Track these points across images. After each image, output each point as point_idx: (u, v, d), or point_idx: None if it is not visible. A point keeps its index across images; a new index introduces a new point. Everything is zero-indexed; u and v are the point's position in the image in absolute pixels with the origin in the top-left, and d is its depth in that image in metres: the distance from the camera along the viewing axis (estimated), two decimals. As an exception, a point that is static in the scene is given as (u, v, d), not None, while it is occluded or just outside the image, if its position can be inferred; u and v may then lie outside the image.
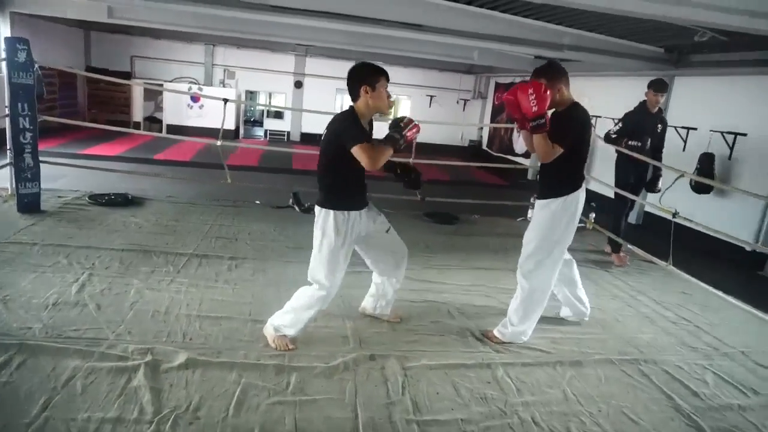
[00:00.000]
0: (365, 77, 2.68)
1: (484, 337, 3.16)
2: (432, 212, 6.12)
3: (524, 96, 2.68)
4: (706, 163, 6.81)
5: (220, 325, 2.97)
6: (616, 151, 5.14)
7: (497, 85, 14.92)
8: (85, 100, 13.43)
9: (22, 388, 2.23)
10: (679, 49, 7.78)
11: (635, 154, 4.88)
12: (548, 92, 2.70)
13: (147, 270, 3.63)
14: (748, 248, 6.32)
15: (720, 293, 4.27)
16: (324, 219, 2.73)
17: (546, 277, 3.03)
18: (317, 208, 2.78)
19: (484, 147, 15.32)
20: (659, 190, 5.08)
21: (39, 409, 2.11)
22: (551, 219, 2.97)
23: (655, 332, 3.52)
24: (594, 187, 6.07)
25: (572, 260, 3.34)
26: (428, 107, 15.55)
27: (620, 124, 5.02)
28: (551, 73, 2.85)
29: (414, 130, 2.72)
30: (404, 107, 16.24)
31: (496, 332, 3.14)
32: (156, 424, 2.11)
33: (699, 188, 6.42)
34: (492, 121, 14.98)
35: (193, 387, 2.38)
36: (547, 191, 3.02)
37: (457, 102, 15.83)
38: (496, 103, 14.97)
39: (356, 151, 2.58)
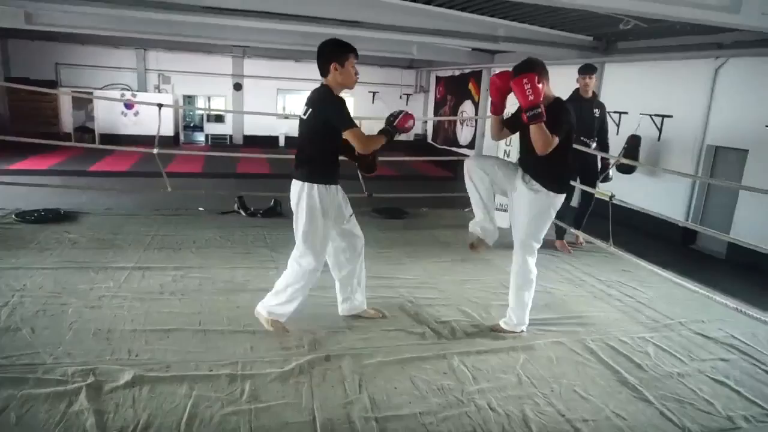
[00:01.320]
0: (334, 54, 2.78)
1: (492, 331, 3.19)
2: (380, 208, 6.12)
3: (519, 86, 2.70)
4: (632, 144, 7.16)
5: (168, 338, 2.86)
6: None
7: (438, 79, 15.13)
8: (7, 112, 12.65)
9: (-51, 424, 2.06)
10: (606, 37, 8.12)
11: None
12: (541, 84, 2.73)
13: (85, 287, 3.45)
14: (680, 224, 6.68)
15: (657, 269, 4.49)
16: (309, 193, 2.79)
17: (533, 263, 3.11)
18: (298, 184, 2.83)
19: (429, 140, 15.51)
20: (610, 179, 5.16)
21: (-30, 446, 1.96)
22: (547, 209, 3.01)
23: (601, 310, 3.66)
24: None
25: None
26: (371, 103, 15.59)
27: None
28: (537, 68, 2.82)
29: (405, 118, 2.86)
30: (348, 104, 16.20)
31: (501, 323, 3.20)
32: (102, 448, 2.00)
33: (623, 169, 6.71)
34: (435, 113, 15.18)
35: (141, 405, 2.27)
36: (547, 181, 2.97)
37: (400, 97, 15.95)
38: (438, 96, 15.18)
39: (349, 135, 2.73)
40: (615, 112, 8.02)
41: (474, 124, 12.76)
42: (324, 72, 2.82)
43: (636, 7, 4.69)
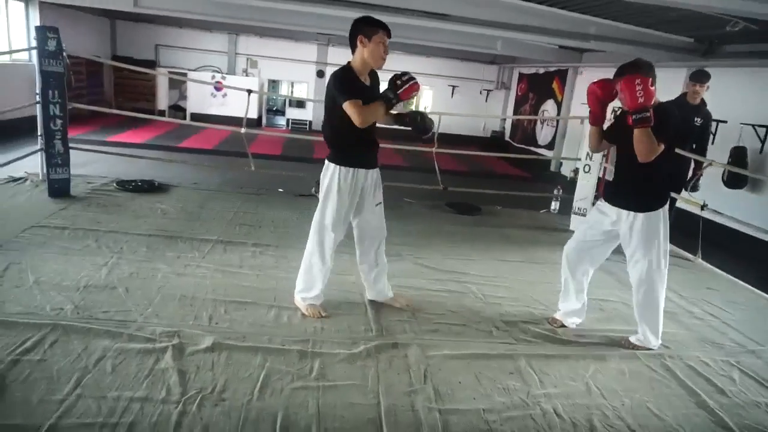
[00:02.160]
0: (362, 28, 2.73)
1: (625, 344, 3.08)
2: (454, 202, 6.10)
3: (630, 87, 2.56)
4: (738, 156, 6.63)
5: (245, 310, 3.02)
6: None
7: (520, 76, 14.75)
8: (112, 88, 13.66)
9: (54, 366, 2.29)
10: (709, 39, 7.58)
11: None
12: (654, 87, 2.58)
13: (173, 255, 3.70)
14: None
15: (748, 287, 4.19)
16: (329, 174, 2.84)
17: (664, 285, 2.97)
18: (326, 162, 2.88)
19: (507, 138, 15.18)
20: (697, 189, 4.91)
21: (71, 387, 2.17)
22: (663, 228, 2.85)
23: (681, 327, 3.47)
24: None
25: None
26: (450, 97, 15.45)
27: None
28: (649, 69, 2.67)
29: (411, 88, 2.74)
30: (426, 97, 16.15)
31: (633, 339, 3.09)
32: (183, 404, 2.15)
33: (732, 182, 6.24)
34: (515, 111, 14.83)
35: (219, 370, 2.42)
36: (651, 200, 2.83)
37: (480, 92, 15.69)
38: (519, 93, 14.81)
39: (346, 107, 2.64)
40: (713, 120, 7.49)
41: (555, 124, 12.36)
42: (353, 47, 2.76)
43: (749, 8, 4.35)
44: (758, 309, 3.95)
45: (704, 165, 4.75)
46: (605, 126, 3.02)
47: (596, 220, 3.04)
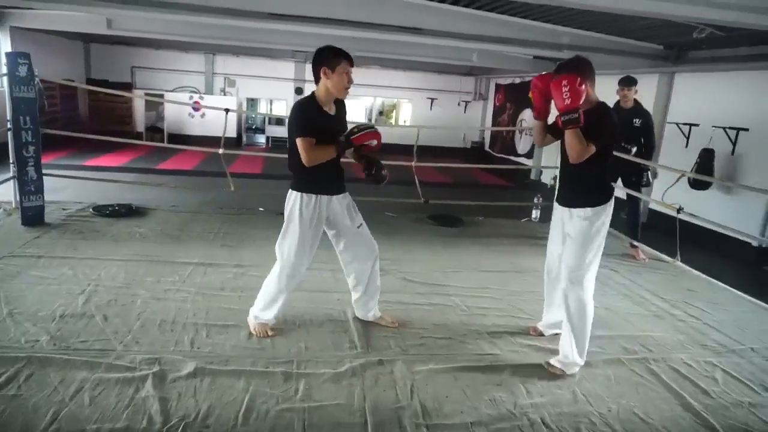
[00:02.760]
0: (325, 59, 2.72)
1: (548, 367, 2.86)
2: (436, 215, 6.11)
3: (557, 88, 2.53)
4: (705, 158, 6.80)
5: (228, 333, 2.97)
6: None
7: (497, 86, 14.94)
8: (87, 111, 13.51)
9: (30, 401, 2.23)
10: (678, 46, 7.77)
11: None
12: (583, 86, 2.52)
13: (152, 280, 3.64)
14: (754, 243, 6.30)
15: (728, 288, 4.25)
16: (291, 201, 2.83)
17: (590, 294, 2.85)
18: (289, 190, 2.87)
19: (487, 148, 15.32)
20: (645, 184, 5.19)
21: (48, 422, 2.11)
22: (594, 230, 2.75)
23: (664, 330, 3.50)
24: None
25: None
26: (429, 110, 15.58)
27: None
28: (579, 67, 2.63)
29: (366, 136, 2.73)
30: (405, 110, 16.27)
31: (554, 361, 2.86)
32: (165, 433, 2.10)
33: (696, 184, 6.41)
34: (494, 121, 14.99)
35: (202, 395, 2.37)
36: (584, 199, 2.78)
37: (458, 104, 15.86)
38: (497, 104, 15.00)
39: (299, 143, 2.67)
40: (685, 124, 7.66)
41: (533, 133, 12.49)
42: (316, 77, 2.77)
43: (714, 15, 4.47)
44: (738, 309, 4.00)
45: (679, 176, 4.90)
46: (551, 120, 2.95)
47: (553, 223, 3.03)
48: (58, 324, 2.90)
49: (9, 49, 9.05)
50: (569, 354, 2.79)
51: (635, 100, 5.07)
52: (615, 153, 4.74)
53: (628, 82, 4.99)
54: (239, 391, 2.43)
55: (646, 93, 8.45)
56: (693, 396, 2.68)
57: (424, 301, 3.66)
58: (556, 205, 2.99)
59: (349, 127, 2.86)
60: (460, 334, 3.20)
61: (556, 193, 3.05)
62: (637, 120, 5.00)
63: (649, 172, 5.19)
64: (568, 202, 2.86)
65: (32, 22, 9.39)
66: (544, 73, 2.73)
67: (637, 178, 5.17)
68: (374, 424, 2.27)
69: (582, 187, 2.81)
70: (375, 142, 2.77)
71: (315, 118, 2.75)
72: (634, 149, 4.97)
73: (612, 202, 2.81)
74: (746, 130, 6.82)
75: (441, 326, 3.29)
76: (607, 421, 2.42)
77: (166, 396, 2.34)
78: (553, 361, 2.85)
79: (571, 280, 2.78)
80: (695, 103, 7.78)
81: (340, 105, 2.91)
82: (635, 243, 5.16)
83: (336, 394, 2.48)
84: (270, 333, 2.99)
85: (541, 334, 3.24)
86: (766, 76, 6.83)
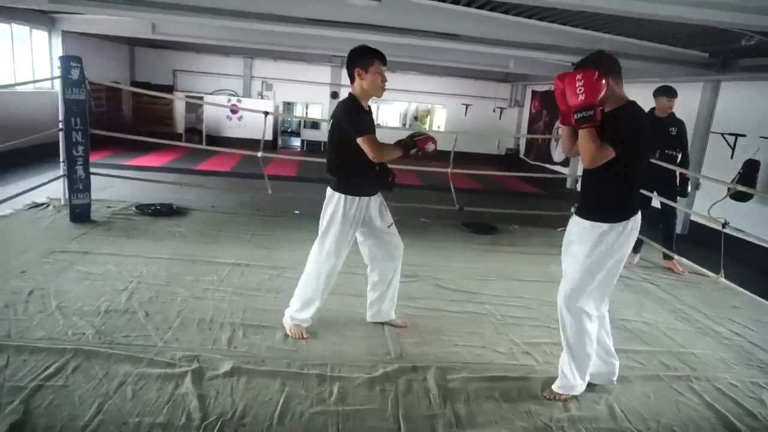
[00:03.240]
0: (358, 60, 2.76)
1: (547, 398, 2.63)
2: (470, 222, 6.08)
3: (571, 83, 2.27)
4: (749, 170, 6.57)
5: (263, 334, 3.02)
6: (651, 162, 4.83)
7: (534, 93, 14.76)
8: (130, 112, 13.95)
9: (76, 392, 2.31)
10: (724, 54, 7.54)
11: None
12: (602, 81, 2.24)
13: (192, 279, 3.73)
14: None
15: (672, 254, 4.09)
16: (334, 202, 2.87)
17: (593, 314, 2.52)
18: (329, 190, 2.91)
19: (522, 155, 15.15)
20: (687, 195, 5.07)
21: (93, 413, 2.18)
22: (604, 249, 2.41)
23: (706, 348, 3.39)
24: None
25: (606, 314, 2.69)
26: (464, 116, 15.51)
27: None
28: (599, 62, 2.35)
29: (428, 142, 2.87)
30: (440, 116, 16.23)
31: (555, 388, 2.64)
32: (203, 430, 2.15)
33: (737, 196, 6.17)
34: (529, 129, 14.82)
35: (238, 394, 2.42)
36: (596, 212, 2.46)
37: (494, 110, 15.74)
38: (533, 111, 14.82)
39: (361, 142, 2.71)
40: (730, 134, 7.42)
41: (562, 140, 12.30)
42: (351, 79, 2.81)
43: (764, 22, 4.33)
44: (786, 327, 3.85)
45: (728, 191, 4.79)
46: None
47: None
48: (102, 318, 3.00)
49: (61, 53, 9.44)
50: (570, 378, 2.57)
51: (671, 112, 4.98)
52: (654, 161, 4.65)
53: (673, 93, 4.88)
54: (274, 391, 2.47)
55: (689, 102, 8.23)
56: (738, 417, 2.59)
57: (457, 308, 3.64)
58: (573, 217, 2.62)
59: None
60: (495, 343, 3.17)
61: (576, 210, 2.68)
62: (673, 129, 4.91)
63: (690, 182, 5.07)
64: (581, 211, 2.53)
65: (82, 26, 9.79)
66: (566, 72, 2.44)
67: (681, 187, 5.01)
68: (408, 431, 2.27)
69: (597, 197, 2.47)
70: (433, 146, 2.89)
71: (364, 117, 2.81)
72: (680, 155, 4.88)
73: (636, 220, 2.44)
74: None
75: (475, 335, 3.26)
76: (646, 439, 2.36)
77: (204, 393, 2.39)
78: (554, 388, 2.62)
79: (570, 299, 2.48)
80: (742, 112, 7.53)
81: (369, 109, 2.95)
82: (671, 254, 5.00)
83: (370, 398, 2.49)
84: (305, 335, 3.02)
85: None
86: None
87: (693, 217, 7.31)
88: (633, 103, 2.39)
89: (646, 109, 2.70)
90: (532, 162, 14.17)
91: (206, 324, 3.07)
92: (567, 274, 2.54)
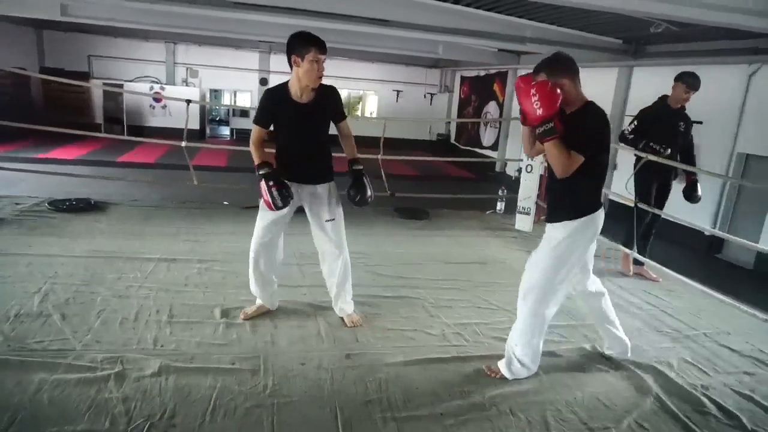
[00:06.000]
0: (295, 47, 2.68)
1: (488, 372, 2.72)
2: (401, 207, 6.13)
3: (527, 97, 2.25)
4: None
5: (192, 330, 2.92)
6: (636, 155, 4.49)
7: (462, 79, 15.05)
8: (42, 101, 12.96)
9: (-15, 405, 2.14)
10: (636, 41, 7.99)
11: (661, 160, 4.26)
12: (557, 90, 2.26)
13: (113, 277, 3.53)
14: (706, 232, 6.55)
15: (681, 278, 4.42)
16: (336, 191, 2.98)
17: (549, 305, 2.61)
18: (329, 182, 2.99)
19: (453, 141, 15.44)
20: (699, 199, 4.51)
21: (4, 425, 2.03)
22: (568, 242, 2.50)
23: (623, 318, 3.57)
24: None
25: (604, 292, 2.86)
26: (395, 102, 15.59)
27: (635, 123, 4.39)
28: (552, 66, 2.36)
29: (264, 195, 2.74)
30: (371, 102, 16.24)
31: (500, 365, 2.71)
32: (129, 434, 2.06)
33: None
34: (459, 113, 15.11)
35: (167, 394, 2.32)
36: (562, 212, 2.53)
37: (424, 96, 15.92)
38: (462, 96, 15.11)
39: (253, 127, 2.82)
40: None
41: (498, 125, 12.67)
42: (289, 65, 2.72)
43: (670, 11, 4.61)
44: (692, 297, 4.16)
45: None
46: None
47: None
48: (12, 324, 2.78)
49: (-46, 36, 8.60)
50: (525, 361, 2.66)
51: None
52: (651, 158, 4.23)
53: (693, 85, 4.23)
54: (206, 388, 2.39)
55: (605, 86, 8.68)
56: (651, 381, 2.78)
57: (391, 294, 3.68)
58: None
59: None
60: (428, 326, 3.22)
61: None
62: (682, 124, 4.36)
63: (699, 184, 4.51)
64: (550, 216, 2.61)
65: (-22, 7, 8.93)
66: (525, 73, 2.47)
67: (690, 191, 4.47)
68: (344, 419, 2.27)
69: (566, 200, 2.53)
70: (264, 201, 2.75)
71: (275, 107, 2.78)
72: (668, 151, 4.29)
73: (598, 216, 2.52)
74: (700, 123, 7.07)
75: (409, 319, 3.31)
76: (573, 408, 2.49)
77: (129, 396, 2.28)
78: (500, 364, 2.71)
79: (529, 294, 2.57)
80: (653, 96, 8.02)
81: (324, 93, 2.84)
82: (641, 259, 4.56)
83: (305, 389, 2.47)
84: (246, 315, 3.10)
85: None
86: (720, 71, 7.09)
87: (611, 196, 7.75)
88: (592, 103, 2.43)
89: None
90: (462, 147, 14.47)
91: (130, 323, 2.93)
92: (533, 272, 2.57)
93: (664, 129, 4.29)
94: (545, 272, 2.55)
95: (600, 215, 2.55)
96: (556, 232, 2.55)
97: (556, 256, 2.53)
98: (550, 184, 2.66)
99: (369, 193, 2.93)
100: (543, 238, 2.63)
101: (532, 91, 2.25)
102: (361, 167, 2.96)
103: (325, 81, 2.84)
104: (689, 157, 4.50)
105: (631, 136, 4.38)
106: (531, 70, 2.47)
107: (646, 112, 4.40)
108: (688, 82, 4.23)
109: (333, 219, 2.99)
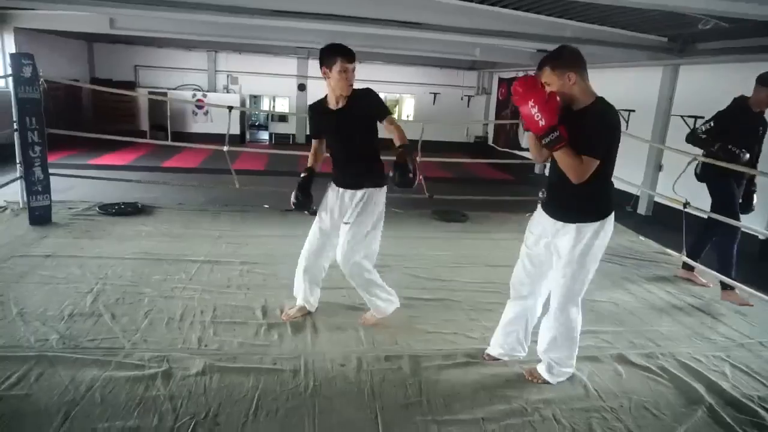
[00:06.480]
0: (323, 59, 2.78)
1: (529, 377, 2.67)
2: (440, 210, 6.10)
3: (526, 109, 2.17)
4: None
5: (235, 331, 2.98)
6: (703, 161, 4.15)
7: (500, 80, 14.87)
8: (91, 110, 13.52)
9: (41, 400, 2.24)
10: (683, 38, 7.71)
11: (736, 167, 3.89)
12: (556, 98, 2.18)
13: (159, 278, 3.65)
14: (761, 236, 6.25)
15: (733, 283, 4.23)
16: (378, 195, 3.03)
17: (579, 312, 2.54)
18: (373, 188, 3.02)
19: (490, 143, 15.27)
20: (753, 210, 4.26)
21: (59, 421, 2.11)
22: (595, 249, 2.39)
23: (671, 324, 3.49)
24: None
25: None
26: (432, 104, 15.53)
27: (711, 123, 4.03)
28: (557, 60, 2.25)
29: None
30: (408, 105, 16.24)
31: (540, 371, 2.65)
32: (176, 431, 2.11)
33: (702, 176, 6.27)
34: (497, 115, 14.94)
35: (211, 393, 2.38)
36: (576, 213, 2.38)
37: (461, 98, 15.79)
38: (500, 98, 14.93)
39: None
40: (689, 116, 7.61)
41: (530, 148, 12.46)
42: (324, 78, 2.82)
43: (719, 7, 4.43)
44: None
45: (689, 161, 4.29)
46: None
47: (534, 235, 2.62)
48: (67, 323, 2.91)
49: (13, 50, 9.06)
50: (564, 363, 2.60)
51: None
52: (726, 165, 3.85)
53: None
54: (248, 388, 2.44)
55: (650, 85, 8.41)
56: (704, 391, 2.66)
57: (430, 296, 3.66)
58: (541, 212, 2.56)
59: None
60: (467, 329, 3.19)
61: (544, 196, 2.62)
62: (762, 128, 4.03)
63: (756, 194, 4.22)
64: (560, 214, 2.43)
65: (35, 22, 9.40)
66: (522, 75, 2.38)
67: (746, 201, 4.19)
68: (384, 422, 2.27)
69: (576, 198, 2.37)
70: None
71: (318, 119, 2.98)
72: (747, 156, 3.89)
73: (612, 219, 2.42)
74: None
75: (447, 322, 3.28)
76: (619, 416, 2.42)
77: (175, 394, 2.35)
78: (540, 369, 2.64)
79: (566, 304, 2.47)
80: (700, 95, 7.73)
81: (359, 97, 2.84)
82: (728, 282, 4.00)
83: (345, 390, 2.48)
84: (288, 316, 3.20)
85: (495, 359, 2.84)
86: (770, 67, 6.77)
87: (657, 199, 7.50)
88: (602, 100, 2.29)
89: (606, 94, 2.28)
90: (500, 149, 14.30)
91: (175, 323, 3.01)
92: (564, 282, 2.44)
93: (744, 132, 3.94)
94: (582, 283, 2.45)
95: (612, 218, 2.42)
96: (572, 238, 2.38)
97: (587, 261, 2.40)
98: (555, 177, 2.42)
99: (411, 174, 2.68)
100: (560, 242, 2.44)
101: (530, 102, 2.15)
102: (403, 149, 2.72)
103: (359, 85, 2.88)
104: (755, 164, 4.13)
105: (704, 136, 4.03)
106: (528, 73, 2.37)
107: (724, 113, 4.04)
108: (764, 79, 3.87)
109: (349, 223, 2.92)
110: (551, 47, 2.51)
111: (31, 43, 9.53)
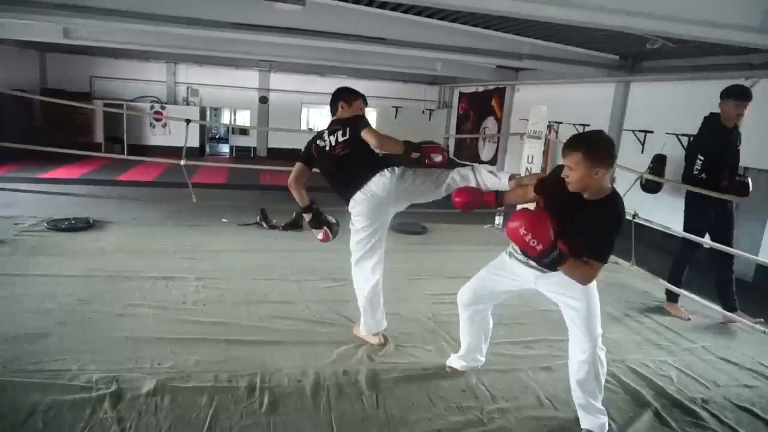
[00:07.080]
0: (344, 95, 3.19)
1: None
2: (400, 222, 6.14)
3: (519, 239, 2.07)
4: (658, 163, 7.04)
5: (190, 348, 2.91)
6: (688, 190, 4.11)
7: (461, 95, 15.15)
8: (43, 122, 13.05)
9: (-22, 427, 2.13)
10: (633, 56, 8.06)
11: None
12: (547, 222, 2.06)
13: (111, 296, 3.53)
14: (705, 246, 6.53)
15: (679, 291, 4.40)
16: None
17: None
18: None
19: (452, 156, 15.49)
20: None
21: (-2, 448, 2.02)
22: (596, 294, 2.40)
23: (620, 332, 3.60)
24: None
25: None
26: (394, 118, 15.67)
27: (702, 158, 3.91)
28: (593, 152, 2.07)
29: (435, 150, 3.14)
30: (371, 118, 16.32)
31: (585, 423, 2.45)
32: (124, 455, 2.04)
33: (648, 187, 6.59)
34: (458, 129, 15.19)
35: (163, 414, 2.31)
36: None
37: (423, 112, 16.00)
38: (461, 112, 15.21)
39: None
40: (640, 131, 7.93)
41: (496, 140, 12.73)
42: (333, 110, 3.20)
43: (666, 28, 4.65)
44: (690, 309, 4.14)
45: (636, 178, 4.57)
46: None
47: (506, 268, 2.66)
48: (9, 345, 2.78)
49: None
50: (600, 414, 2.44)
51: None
52: (702, 192, 3.85)
53: (746, 96, 3.83)
54: (202, 407, 2.38)
55: (603, 101, 8.73)
56: (651, 395, 2.76)
57: (388, 309, 3.63)
58: (518, 258, 2.48)
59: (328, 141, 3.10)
60: (425, 342, 3.22)
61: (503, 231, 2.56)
62: (739, 142, 3.99)
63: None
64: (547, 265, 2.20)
65: (-19, 30, 9.05)
66: (456, 190, 2.90)
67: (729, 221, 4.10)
68: (340, 436, 2.26)
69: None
70: (440, 158, 3.08)
71: (310, 143, 3.18)
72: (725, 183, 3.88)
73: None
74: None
75: (407, 335, 3.30)
76: (572, 425, 2.47)
77: (124, 416, 2.27)
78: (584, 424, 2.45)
79: (592, 348, 2.37)
80: (649, 111, 8.07)
81: (347, 122, 3.07)
82: (730, 314, 3.91)
83: (301, 406, 2.46)
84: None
85: (457, 371, 2.87)
86: (717, 85, 7.12)
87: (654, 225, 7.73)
88: (616, 195, 2.19)
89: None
90: (461, 162, 14.52)
91: (128, 342, 2.92)
92: (586, 332, 2.38)
93: (728, 155, 3.93)
94: (597, 328, 2.41)
95: None
96: (581, 291, 2.34)
97: (595, 303, 2.39)
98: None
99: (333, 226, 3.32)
100: (559, 298, 2.47)
101: (522, 231, 2.05)
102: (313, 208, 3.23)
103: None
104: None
105: (703, 175, 3.90)
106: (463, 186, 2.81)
107: (708, 144, 3.95)
108: (735, 93, 3.86)
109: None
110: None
111: (-24, 53, 9.18)
